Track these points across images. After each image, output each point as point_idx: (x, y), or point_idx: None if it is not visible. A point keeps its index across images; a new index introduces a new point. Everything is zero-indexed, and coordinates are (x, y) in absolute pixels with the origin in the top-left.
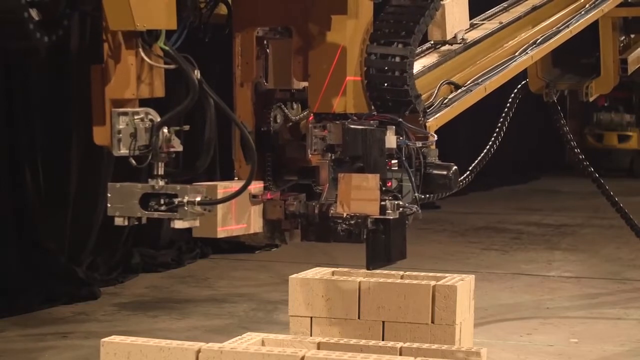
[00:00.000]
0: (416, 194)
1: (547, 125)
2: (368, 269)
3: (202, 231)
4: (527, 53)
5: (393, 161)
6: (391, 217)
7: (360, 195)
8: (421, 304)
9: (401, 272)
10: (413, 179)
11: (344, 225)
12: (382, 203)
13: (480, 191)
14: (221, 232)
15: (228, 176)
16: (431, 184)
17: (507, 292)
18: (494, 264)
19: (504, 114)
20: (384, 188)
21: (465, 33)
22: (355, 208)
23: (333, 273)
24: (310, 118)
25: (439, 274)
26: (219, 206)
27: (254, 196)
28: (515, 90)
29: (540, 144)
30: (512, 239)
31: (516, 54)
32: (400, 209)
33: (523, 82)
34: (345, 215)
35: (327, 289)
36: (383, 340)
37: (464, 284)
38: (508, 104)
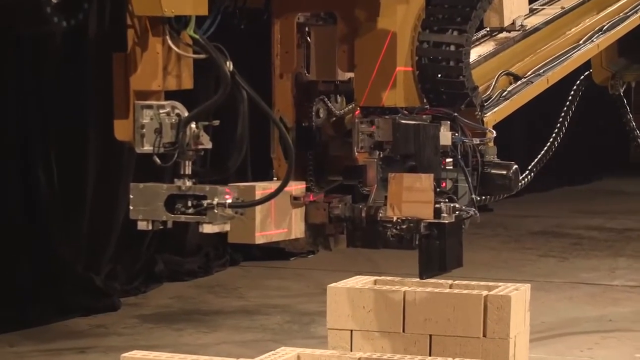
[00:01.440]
0: (473, 196)
1: (610, 120)
2: (421, 278)
3: (238, 236)
4: (592, 41)
5: (448, 160)
6: (446, 221)
7: (412, 197)
8: (472, 316)
9: (450, 281)
10: (470, 179)
11: (394, 230)
12: (437, 205)
13: (537, 192)
14: (259, 238)
15: (260, 177)
16: (489, 185)
17: (566, 303)
18: (552, 272)
19: (565, 108)
20: (438, 189)
21: (525, 19)
22: (407, 211)
23: (375, 282)
24: (357, 112)
25: (491, 283)
26: (258, 209)
27: (296, 198)
28: (578, 82)
29: (601, 140)
30: (572, 244)
31: (580, 42)
32: (457, 212)
33: (586, 73)
34: (395, 219)
35: (369, 299)
36: (430, 355)
37: (518, 294)
38: (570, 97)
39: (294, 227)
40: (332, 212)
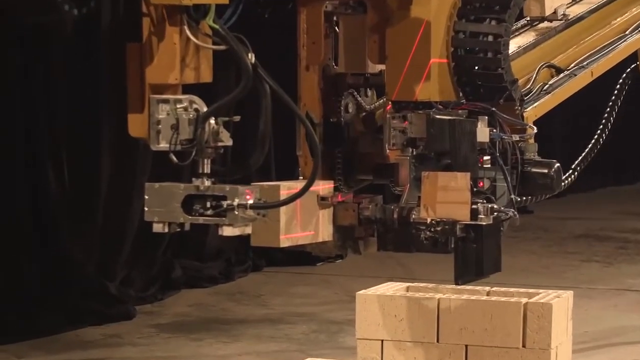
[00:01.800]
0: (512, 196)
1: None
2: (457, 283)
3: (262, 239)
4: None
5: (485, 157)
6: (484, 223)
7: (447, 197)
8: (511, 325)
9: (487, 288)
10: (509, 179)
11: (427, 233)
12: (473, 206)
13: (580, 193)
14: (285, 241)
15: (285, 176)
16: (530, 185)
17: (611, 311)
18: (596, 278)
19: (611, 102)
20: (475, 189)
21: (567, 8)
22: (442, 212)
23: (408, 289)
24: (388, 107)
25: (531, 290)
26: (282, 210)
27: (323, 198)
28: (625, 75)
29: None
30: (617, 248)
31: (627, 32)
32: (495, 213)
33: (633, 66)
34: (429, 220)
35: (401, 307)
36: None
37: (560, 302)
38: (616, 90)
39: (321, 229)
40: (362, 214)
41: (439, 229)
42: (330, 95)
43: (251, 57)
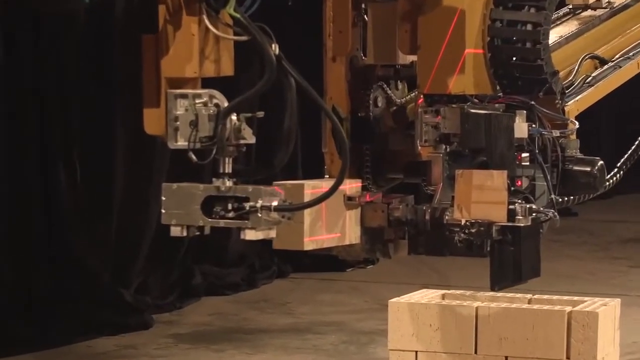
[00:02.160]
0: (552, 196)
1: None
2: (493, 289)
3: (284, 242)
4: None
5: (524, 154)
6: (522, 225)
7: (483, 197)
8: (554, 335)
9: (529, 296)
10: (549, 177)
11: (462, 235)
12: (511, 207)
13: (628, 194)
14: (309, 244)
15: (312, 175)
16: (571, 184)
17: None
18: None
19: None
20: (512, 188)
21: None
22: (477, 213)
23: (444, 296)
24: (420, 101)
25: (576, 298)
26: (306, 211)
27: (350, 198)
28: None
29: None
30: None
31: None
32: (533, 214)
33: None
34: (463, 222)
35: (436, 316)
36: None
37: (607, 310)
38: None
39: (348, 231)
40: (392, 215)
41: (473, 231)
42: (358, 89)
43: (275, 48)
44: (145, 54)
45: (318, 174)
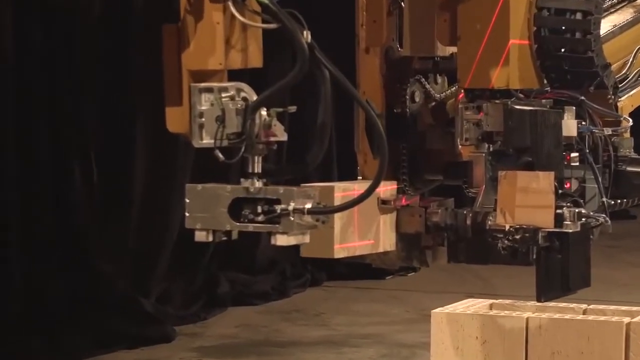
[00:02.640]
0: (604, 199)
1: None
2: (539, 300)
3: (313, 250)
4: None
5: (573, 154)
6: (570, 231)
7: (528, 200)
8: (611, 348)
9: (583, 306)
10: (600, 179)
11: (505, 242)
12: (558, 211)
13: None
14: (339, 251)
15: (349, 175)
16: (625, 186)
17: None
18: None
19: None
20: (560, 191)
21: None
22: (522, 218)
23: (491, 306)
24: (460, 96)
25: (634, 308)
26: (337, 216)
27: (384, 202)
28: None
29: None
30: None
31: None
32: (583, 219)
33: None
34: (507, 227)
35: (483, 327)
36: None
37: None
38: None
39: (382, 237)
40: (430, 220)
41: (518, 237)
42: (394, 82)
43: (307, 36)
44: (166, 45)
45: (355, 175)
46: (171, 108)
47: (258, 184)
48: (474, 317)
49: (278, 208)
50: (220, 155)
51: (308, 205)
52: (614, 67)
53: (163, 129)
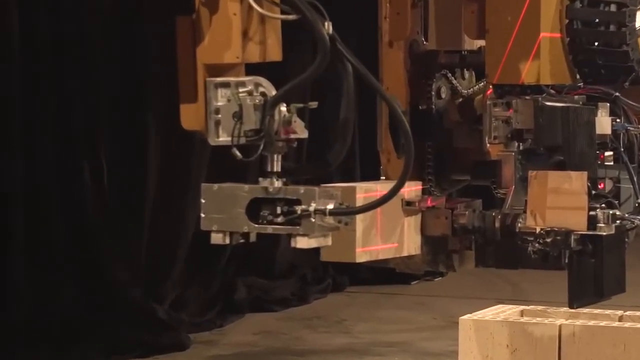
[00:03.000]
0: None
1: None
2: (571, 306)
3: (334, 254)
4: None
5: (607, 153)
6: (604, 233)
7: (560, 201)
8: None
9: (619, 312)
10: (635, 179)
11: (536, 245)
12: (591, 213)
13: None
14: (361, 255)
15: (371, 175)
16: None
17: None
18: None
19: None
20: (593, 191)
21: None
22: (553, 220)
23: (522, 313)
24: (489, 92)
25: None
26: (359, 218)
27: (409, 203)
28: None
29: None
30: None
31: None
32: (618, 221)
33: None
34: (538, 230)
35: (513, 335)
36: None
37: None
38: None
39: (407, 240)
40: (457, 222)
41: (549, 240)
42: (419, 78)
43: (328, 27)
44: (180, 38)
45: (378, 174)
46: (186, 104)
47: (277, 183)
48: (504, 324)
49: (298, 209)
50: (238, 153)
51: (330, 206)
52: None
53: (177, 126)
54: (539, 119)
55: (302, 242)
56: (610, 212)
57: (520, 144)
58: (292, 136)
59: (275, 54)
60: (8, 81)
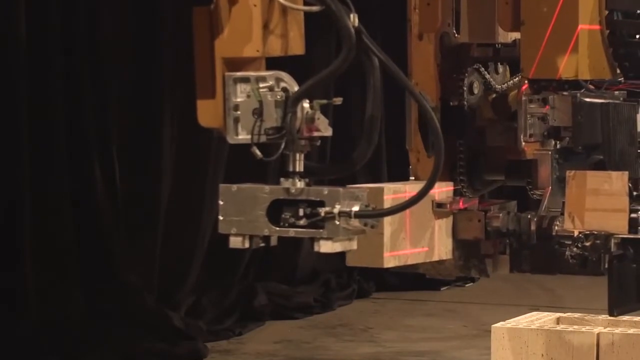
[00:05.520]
0: None
1: None
2: (611, 314)
3: (360, 258)
4: None
5: None
6: None
7: (599, 203)
8: None
9: None
10: None
11: (574, 249)
12: (632, 215)
13: None
14: (389, 260)
15: (399, 175)
16: None
17: None
18: None
19: None
20: (635, 193)
21: None
22: (592, 223)
23: (558, 320)
24: (524, 87)
25: None
26: (386, 222)
27: (440, 205)
28: None
29: None
30: None
31: None
32: None
33: None
34: (576, 233)
35: (549, 344)
36: None
37: None
38: None
39: (437, 244)
40: (490, 225)
41: (588, 244)
42: (450, 72)
43: (354, 19)
44: (198, 30)
45: (407, 174)
46: (203, 100)
47: (300, 184)
48: (539, 333)
49: (322, 211)
50: (258, 152)
51: (355, 208)
52: None
53: (194, 123)
54: (577, 116)
55: (325, 246)
56: None
57: (558, 142)
58: (316, 134)
59: (297, 47)
60: (18, 81)
